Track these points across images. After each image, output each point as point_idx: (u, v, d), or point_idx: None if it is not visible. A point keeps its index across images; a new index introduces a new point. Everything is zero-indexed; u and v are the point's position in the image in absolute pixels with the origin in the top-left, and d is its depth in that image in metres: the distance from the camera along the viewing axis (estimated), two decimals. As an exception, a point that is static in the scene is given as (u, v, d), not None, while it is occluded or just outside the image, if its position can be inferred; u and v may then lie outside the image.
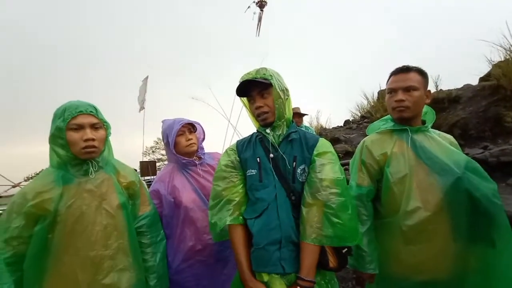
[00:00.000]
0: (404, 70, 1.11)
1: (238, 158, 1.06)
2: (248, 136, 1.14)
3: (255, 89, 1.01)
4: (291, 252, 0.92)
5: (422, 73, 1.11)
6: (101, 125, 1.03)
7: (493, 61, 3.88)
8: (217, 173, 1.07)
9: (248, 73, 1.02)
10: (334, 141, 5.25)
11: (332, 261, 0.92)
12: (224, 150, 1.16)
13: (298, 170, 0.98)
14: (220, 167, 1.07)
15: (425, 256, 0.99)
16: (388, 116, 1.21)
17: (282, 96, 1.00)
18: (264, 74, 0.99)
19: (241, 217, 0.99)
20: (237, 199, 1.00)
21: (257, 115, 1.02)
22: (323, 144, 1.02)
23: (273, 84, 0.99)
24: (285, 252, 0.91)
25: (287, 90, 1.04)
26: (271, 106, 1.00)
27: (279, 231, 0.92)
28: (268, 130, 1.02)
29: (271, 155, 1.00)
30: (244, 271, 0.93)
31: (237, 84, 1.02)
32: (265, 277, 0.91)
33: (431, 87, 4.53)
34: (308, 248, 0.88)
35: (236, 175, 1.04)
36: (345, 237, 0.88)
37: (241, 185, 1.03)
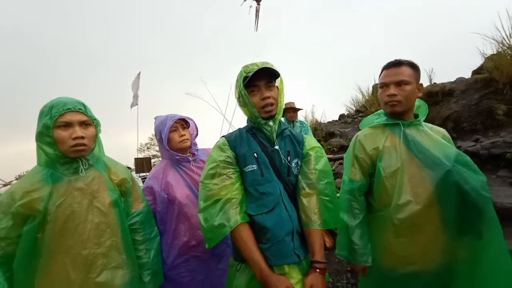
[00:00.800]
0: (396, 64, 1.10)
1: (234, 154, 1.02)
2: (236, 131, 1.10)
3: (262, 79, 0.99)
4: (299, 241, 0.95)
5: (414, 67, 1.11)
6: (90, 122, 1.01)
7: (486, 54, 3.90)
8: (212, 170, 0.99)
9: (253, 64, 1.01)
10: (329, 135, 5.27)
11: (328, 241, 1.03)
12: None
13: (293, 164, 1.02)
14: (215, 164, 0.99)
15: (415, 248, 1.01)
16: (381, 110, 1.22)
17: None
18: (272, 66, 0.99)
19: (246, 215, 0.96)
20: (238, 196, 0.96)
21: (263, 106, 0.99)
22: (311, 140, 1.11)
23: (281, 77, 1.02)
24: (297, 241, 0.94)
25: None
26: (276, 99, 1.01)
27: (290, 223, 0.94)
28: (271, 123, 1.02)
29: (276, 147, 1.02)
30: (263, 268, 0.88)
31: (244, 73, 1.01)
32: (287, 269, 0.91)
33: (425, 81, 4.55)
34: (316, 234, 0.94)
35: (234, 172, 0.99)
36: (336, 220, 1.01)
37: (239, 182, 0.99)
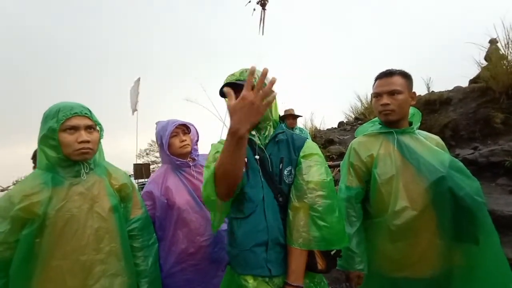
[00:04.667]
0: (387, 74, 1.14)
1: None
2: None
3: (239, 90, 0.95)
4: (278, 254, 0.90)
5: (405, 76, 1.14)
6: (95, 127, 1.02)
7: (482, 64, 3.98)
8: (215, 155, 0.98)
9: (232, 75, 0.98)
10: (328, 142, 5.29)
11: (320, 264, 0.90)
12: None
13: (285, 172, 0.95)
14: (216, 150, 0.99)
15: (412, 253, 1.02)
16: (376, 118, 1.24)
17: None
18: (239, 78, 0.95)
19: None
20: None
21: None
22: (310, 146, 1.00)
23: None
24: (272, 254, 0.89)
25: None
26: None
27: (266, 233, 0.90)
28: (253, 132, 0.99)
29: (257, 156, 0.96)
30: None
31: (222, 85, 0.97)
32: (250, 281, 0.89)
33: (423, 89, 4.61)
34: (295, 253, 0.86)
35: None
36: (332, 240, 0.86)
37: None
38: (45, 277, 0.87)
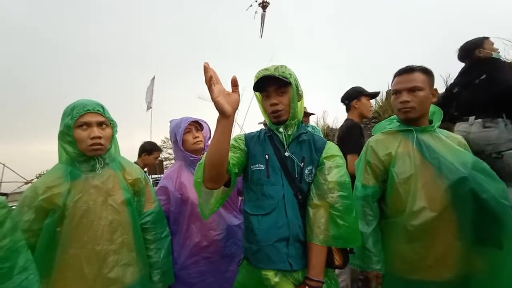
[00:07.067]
0: (407, 70, 1.10)
1: (246, 148, 1.04)
2: (256, 132, 1.12)
3: (272, 85, 0.99)
4: (297, 250, 0.93)
5: (426, 72, 1.09)
6: (107, 123, 1.06)
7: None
8: None
9: (266, 69, 1.00)
10: (341, 141, 5.18)
11: (337, 259, 0.94)
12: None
13: (306, 171, 0.98)
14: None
15: (429, 255, 0.99)
16: (394, 116, 1.21)
17: (297, 97, 1.01)
18: (283, 72, 0.98)
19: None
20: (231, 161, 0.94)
21: (271, 112, 1.01)
22: (332, 148, 1.04)
23: (291, 84, 0.98)
24: (293, 250, 0.93)
25: (301, 91, 1.05)
26: (285, 105, 0.99)
27: (287, 229, 0.93)
28: (281, 129, 1.02)
29: (286, 154, 0.99)
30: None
31: (254, 79, 1.00)
32: (272, 275, 0.90)
33: (441, 86, 4.42)
34: (316, 249, 0.90)
35: (239, 155, 1.00)
36: (349, 239, 0.91)
37: (239, 160, 0.98)
38: (65, 264, 0.93)
